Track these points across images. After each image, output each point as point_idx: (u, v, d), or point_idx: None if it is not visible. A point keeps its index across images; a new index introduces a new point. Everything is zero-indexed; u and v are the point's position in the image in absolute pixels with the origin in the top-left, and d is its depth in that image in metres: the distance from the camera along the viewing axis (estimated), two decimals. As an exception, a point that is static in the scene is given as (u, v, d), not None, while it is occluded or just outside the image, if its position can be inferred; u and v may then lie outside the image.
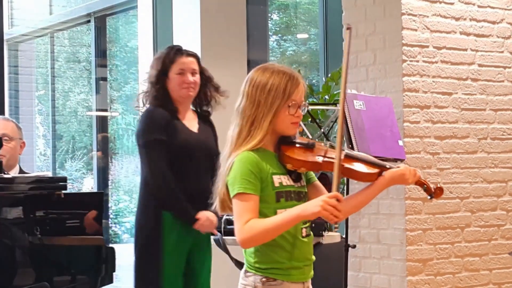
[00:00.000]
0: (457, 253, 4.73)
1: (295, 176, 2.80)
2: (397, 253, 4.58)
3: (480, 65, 4.89)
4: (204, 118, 4.25)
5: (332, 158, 2.75)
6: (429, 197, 2.94)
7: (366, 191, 2.84)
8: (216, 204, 2.81)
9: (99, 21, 9.65)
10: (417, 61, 4.64)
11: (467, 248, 4.77)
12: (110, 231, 9.71)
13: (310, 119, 4.83)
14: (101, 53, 9.73)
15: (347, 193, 4.46)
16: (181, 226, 4.08)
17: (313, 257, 2.83)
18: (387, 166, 2.84)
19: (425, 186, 2.90)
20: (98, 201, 4.38)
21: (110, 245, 4.51)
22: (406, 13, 4.60)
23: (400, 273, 4.56)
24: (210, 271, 4.28)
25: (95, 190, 9.31)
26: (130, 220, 10.01)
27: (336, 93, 5.79)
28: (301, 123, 4.23)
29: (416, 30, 4.64)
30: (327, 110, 5.57)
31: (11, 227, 3.76)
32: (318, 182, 2.90)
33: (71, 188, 10.16)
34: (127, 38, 10.36)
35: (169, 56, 4.14)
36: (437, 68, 4.72)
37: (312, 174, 2.91)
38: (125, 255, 5.17)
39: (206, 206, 3.51)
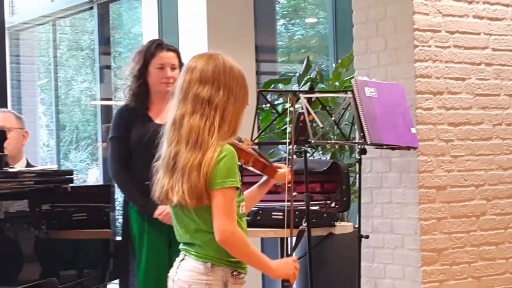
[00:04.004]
0: (472, 242, 4.65)
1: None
2: (411, 243, 4.51)
3: (494, 49, 4.80)
4: None
5: (258, 153, 2.85)
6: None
7: (258, 192, 2.98)
8: (186, 196, 2.65)
9: (102, 8, 9.54)
10: (429, 46, 4.56)
11: (483, 237, 4.70)
12: (118, 224, 9.64)
13: (320, 107, 4.72)
14: (105, 40, 9.62)
15: (359, 183, 4.38)
16: (148, 219, 4.16)
17: None
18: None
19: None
20: (106, 193, 4.33)
21: (118, 238, 4.45)
22: (418, -4, 4.51)
23: (414, 263, 4.49)
24: None
25: (100, 181, 9.24)
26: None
27: (347, 79, 5.69)
28: (311, 111, 4.14)
29: (428, 14, 4.55)
30: (337, 97, 5.48)
31: (17, 222, 3.69)
32: None
33: (76, 179, 10.06)
34: (131, 24, 10.26)
35: (150, 50, 4.25)
36: (450, 53, 4.63)
37: None
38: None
39: None
